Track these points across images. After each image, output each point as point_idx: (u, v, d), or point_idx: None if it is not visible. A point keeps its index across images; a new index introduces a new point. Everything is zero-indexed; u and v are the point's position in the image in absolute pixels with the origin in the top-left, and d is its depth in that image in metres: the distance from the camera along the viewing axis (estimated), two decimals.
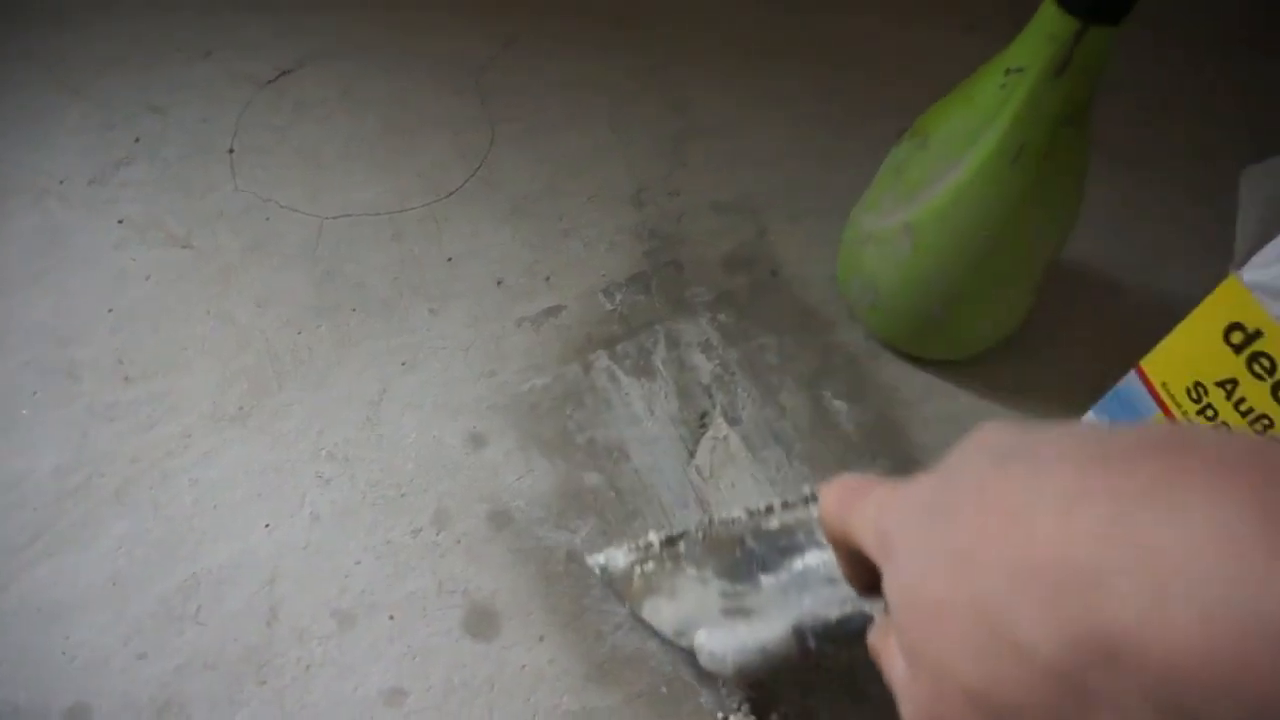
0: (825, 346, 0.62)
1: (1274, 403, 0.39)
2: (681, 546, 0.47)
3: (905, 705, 0.26)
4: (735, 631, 0.42)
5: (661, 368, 0.59)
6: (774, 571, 0.43)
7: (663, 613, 0.46)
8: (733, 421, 0.57)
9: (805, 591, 0.41)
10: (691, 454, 0.56)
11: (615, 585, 0.48)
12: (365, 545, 0.51)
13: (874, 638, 0.31)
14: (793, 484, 0.55)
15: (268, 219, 0.64)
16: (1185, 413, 0.44)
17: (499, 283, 0.63)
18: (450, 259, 0.63)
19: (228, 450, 0.53)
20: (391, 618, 0.48)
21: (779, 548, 0.45)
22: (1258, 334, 0.39)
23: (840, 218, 0.64)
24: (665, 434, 0.56)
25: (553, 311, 0.62)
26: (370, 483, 0.53)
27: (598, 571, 0.49)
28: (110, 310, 0.58)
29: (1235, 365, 0.41)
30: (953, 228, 0.52)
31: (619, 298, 0.63)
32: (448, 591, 0.49)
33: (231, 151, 0.68)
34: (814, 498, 0.47)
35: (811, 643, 0.39)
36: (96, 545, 0.49)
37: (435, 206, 0.67)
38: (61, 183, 0.64)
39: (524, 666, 0.47)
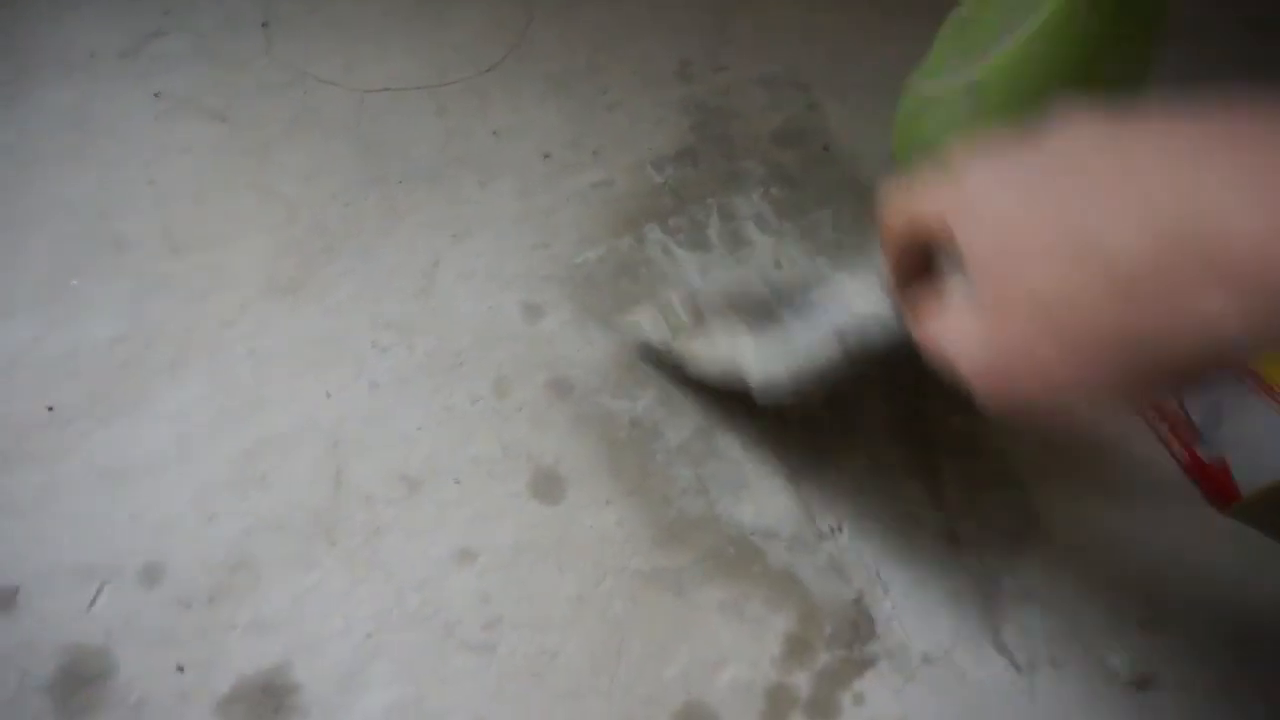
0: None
1: None
2: (700, 299, 0.50)
3: (973, 350, 0.30)
4: (775, 346, 0.43)
5: (716, 241, 0.58)
6: (797, 306, 0.45)
7: (704, 363, 0.47)
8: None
9: (831, 312, 0.42)
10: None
11: (651, 353, 0.51)
12: (426, 412, 0.50)
13: (927, 322, 0.33)
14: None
15: (305, 92, 0.62)
16: None
17: (546, 156, 0.61)
18: (495, 132, 0.62)
19: (282, 320, 0.52)
20: (457, 482, 0.48)
21: (794, 288, 0.47)
22: None
23: (891, 91, 0.62)
24: None
25: (602, 185, 0.60)
26: (427, 352, 0.52)
27: (631, 341, 0.52)
28: (151, 183, 0.57)
29: None
30: (1022, 82, 0.51)
31: (668, 171, 0.61)
32: (512, 456, 0.49)
33: (265, 25, 0.66)
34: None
35: (852, 343, 0.40)
36: (156, 412, 0.49)
37: (475, 81, 0.65)
38: (91, 56, 0.62)
39: (591, 528, 0.47)
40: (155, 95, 0.61)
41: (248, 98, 0.62)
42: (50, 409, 0.48)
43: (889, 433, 0.52)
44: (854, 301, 0.41)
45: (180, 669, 0.42)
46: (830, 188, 0.62)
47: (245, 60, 0.64)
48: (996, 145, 0.31)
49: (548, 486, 0.48)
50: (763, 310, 0.47)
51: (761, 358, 0.44)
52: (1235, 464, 0.49)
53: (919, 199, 0.33)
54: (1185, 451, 0.52)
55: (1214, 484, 0.50)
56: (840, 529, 0.49)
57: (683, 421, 0.51)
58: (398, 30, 0.67)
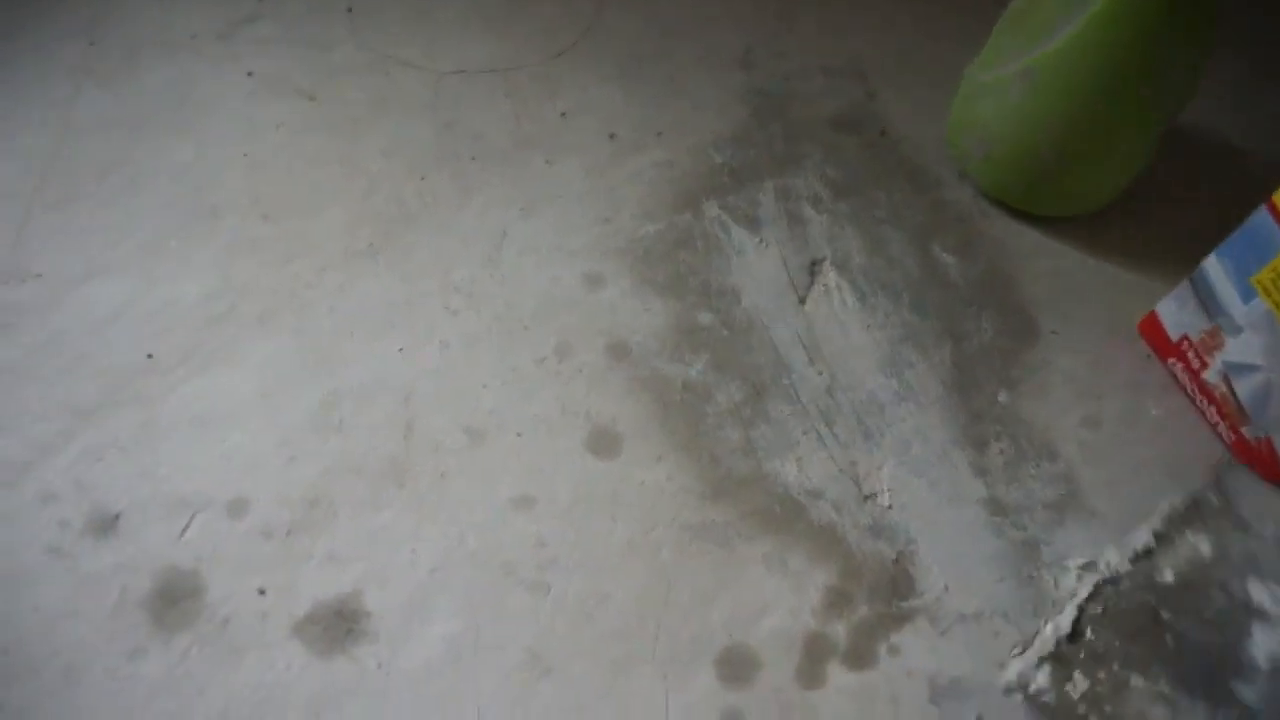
0: (934, 203, 0.62)
1: None
2: (1089, 634, 0.42)
3: None
4: None
5: (772, 218, 0.60)
6: (1247, 679, 0.38)
7: None
8: (842, 270, 0.58)
9: None
10: (802, 300, 0.57)
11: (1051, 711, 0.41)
12: (492, 371, 0.53)
13: None
14: (900, 330, 0.56)
15: (388, 74, 0.66)
16: None
17: (611, 136, 0.64)
18: (564, 114, 0.65)
19: (361, 283, 0.56)
20: (519, 435, 0.51)
21: (1214, 624, 0.38)
22: None
23: (948, 83, 0.63)
24: (776, 278, 0.58)
25: (664, 164, 0.63)
26: (495, 316, 0.55)
27: (1020, 697, 0.43)
28: (245, 155, 0.61)
29: None
30: (1076, 69, 0.52)
31: (728, 153, 0.64)
32: (571, 414, 0.52)
33: (350, 10, 0.70)
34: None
35: None
36: (244, 363, 0.53)
37: (547, 66, 0.68)
38: (193, 38, 0.67)
39: (644, 483, 0.50)
40: (249, 75, 0.65)
41: (334, 78, 0.66)
42: (150, 357, 0.52)
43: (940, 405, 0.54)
44: None
45: (262, 592, 0.45)
46: (885, 170, 0.63)
47: (332, 43, 0.68)
48: None
49: (604, 443, 0.51)
50: (1199, 676, 0.36)
51: None
52: None
53: None
54: (1232, 432, 0.52)
55: (1261, 463, 0.51)
56: (885, 492, 0.50)
57: (734, 386, 0.53)
58: (474, 18, 0.70)
